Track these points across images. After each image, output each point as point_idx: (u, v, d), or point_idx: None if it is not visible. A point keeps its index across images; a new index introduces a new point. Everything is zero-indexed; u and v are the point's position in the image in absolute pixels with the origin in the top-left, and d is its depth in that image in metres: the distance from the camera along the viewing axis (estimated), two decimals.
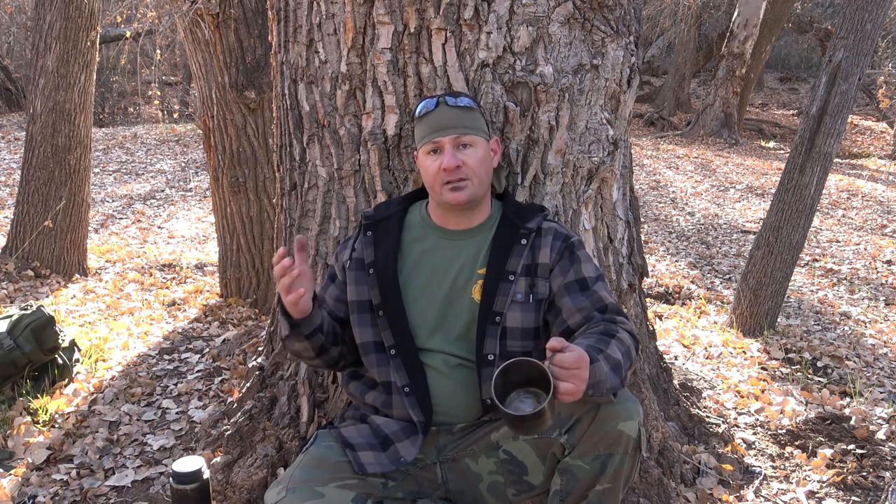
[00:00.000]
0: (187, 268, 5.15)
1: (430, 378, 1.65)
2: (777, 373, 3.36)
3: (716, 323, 4.21)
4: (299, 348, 1.64)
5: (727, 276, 5.51)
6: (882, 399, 3.10)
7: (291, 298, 1.50)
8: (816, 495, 2.30)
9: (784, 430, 2.67)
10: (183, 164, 9.19)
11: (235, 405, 2.43)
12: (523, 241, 1.67)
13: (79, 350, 3.11)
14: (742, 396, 2.99)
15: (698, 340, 3.76)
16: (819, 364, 3.56)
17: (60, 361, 2.88)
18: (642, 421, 1.51)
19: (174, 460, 2.11)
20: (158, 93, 12.59)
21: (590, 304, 1.62)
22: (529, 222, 1.70)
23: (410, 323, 1.66)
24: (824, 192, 6.62)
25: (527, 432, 1.38)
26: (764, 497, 2.27)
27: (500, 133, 1.95)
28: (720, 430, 2.57)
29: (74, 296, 4.24)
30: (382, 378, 1.68)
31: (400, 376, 1.64)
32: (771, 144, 13.58)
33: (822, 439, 2.60)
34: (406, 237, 1.74)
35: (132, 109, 14.83)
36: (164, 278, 4.83)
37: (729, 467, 2.35)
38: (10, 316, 2.80)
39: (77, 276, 4.67)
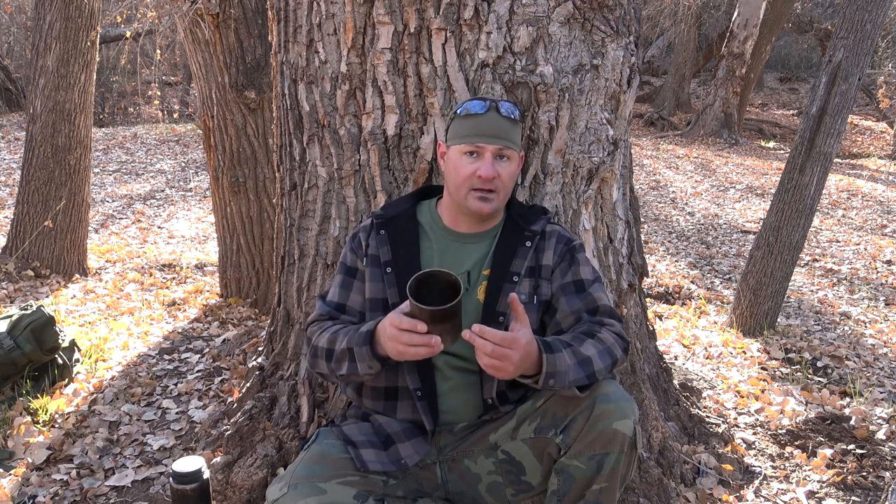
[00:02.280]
0: (187, 268, 5.15)
1: (436, 379, 1.65)
2: (777, 373, 3.36)
3: (716, 323, 4.21)
4: (373, 371, 1.57)
5: (727, 276, 5.51)
6: (882, 399, 3.10)
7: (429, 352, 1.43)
8: (816, 495, 2.29)
9: (784, 430, 2.67)
10: (183, 164, 9.19)
11: (235, 405, 2.43)
12: (528, 244, 1.68)
13: (79, 350, 3.11)
14: (742, 396, 2.99)
15: (698, 340, 3.76)
16: (819, 364, 3.56)
17: (60, 361, 2.88)
18: (637, 419, 1.51)
19: (174, 460, 2.11)
20: (158, 93, 12.59)
21: (583, 305, 1.63)
22: (534, 225, 1.71)
23: None
24: (824, 192, 6.62)
25: (443, 335, 1.39)
26: (764, 497, 2.27)
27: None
28: (720, 430, 2.57)
29: (74, 296, 4.24)
30: (388, 381, 1.66)
31: (412, 379, 1.63)
32: (771, 144, 13.58)
33: (822, 439, 2.60)
34: (419, 238, 1.74)
35: (132, 109, 14.84)
36: (164, 278, 4.83)
37: (729, 467, 2.35)
38: (10, 316, 2.80)
39: (77, 276, 4.67)
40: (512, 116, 1.65)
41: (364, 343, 1.52)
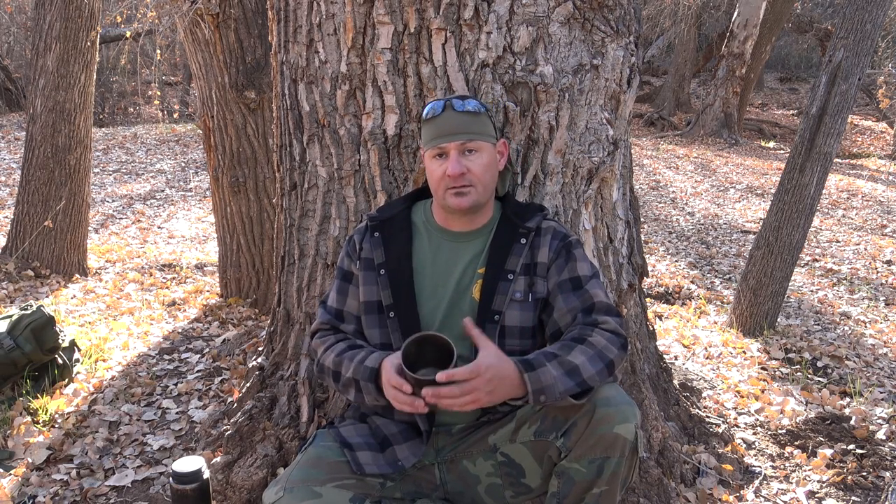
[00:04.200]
0: (187, 268, 5.15)
1: None
2: (777, 373, 3.36)
3: (716, 323, 4.21)
4: (380, 403, 1.63)
5: (727, 276, 5.51)
6: (882, 399, 3.10)
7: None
8: (816, 495, 2.30)
9: (784, 430, 2.67)
10: (183, 164, 9.18)
11: (235, 405, 2.43)
12: (522, 241, 1.68)
13: (79, 350, 3.11)
14: (742, 396, 2.99)
15: (698, 340, 3.76)
16: (819, 364, 3.56)
17: (60, 361, 2.88)
18: (639, 423, 1.51)
19: (174, 460, 2.11)
20: (158, 93, 12.59)
21: (579, 303, 1.63)
22: (529, 222, 1.70)
23: (421, 325, 1.66)
24: (824, 192, 6.63)
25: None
26: (764, 497, 2.27)
27: (499, 134, 1.94)
28: (720, 430, 2.57)
29: (74, 296, 4.24)
30: None
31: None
32: (771, 144, 13.58)
33: (822, 439, 2.60)
34: (413, 238, 1.74)
35: (132, 109, 14.83)
36: (164, 278, 4.83)
37: (729, 467, 2.35)
38: (10, 316, 2.80)
39: (77, 276, 4.67)
40: (469, 109, 1.65)
41: (369, 379, 1.56)
